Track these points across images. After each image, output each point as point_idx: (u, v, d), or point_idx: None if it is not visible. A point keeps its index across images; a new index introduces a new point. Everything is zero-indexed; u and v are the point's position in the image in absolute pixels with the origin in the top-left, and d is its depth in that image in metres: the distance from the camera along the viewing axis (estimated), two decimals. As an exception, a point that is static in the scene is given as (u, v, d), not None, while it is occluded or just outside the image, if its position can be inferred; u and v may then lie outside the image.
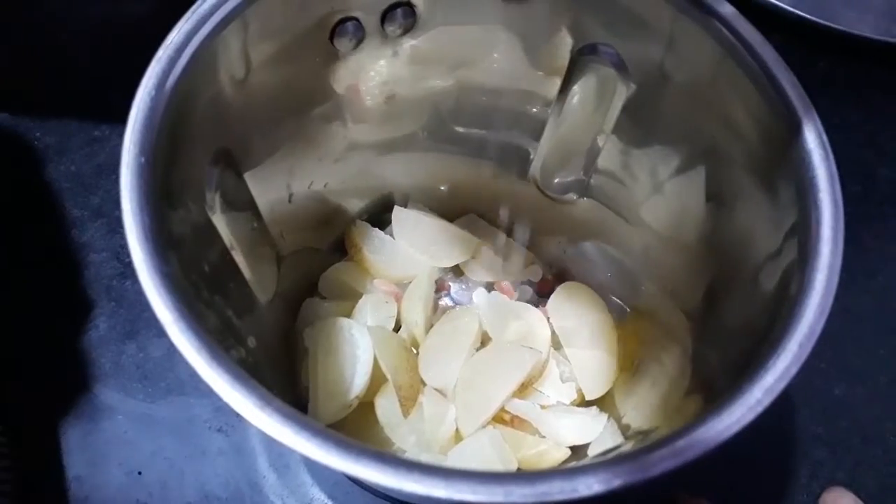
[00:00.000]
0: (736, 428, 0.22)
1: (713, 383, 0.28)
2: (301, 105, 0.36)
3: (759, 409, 0.22)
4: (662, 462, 0.21)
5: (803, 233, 0.26)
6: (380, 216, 0.47)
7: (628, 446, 0.31)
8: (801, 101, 0.28)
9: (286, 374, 0.41)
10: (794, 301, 0.24)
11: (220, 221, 0.31)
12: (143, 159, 0.25)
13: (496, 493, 0.20)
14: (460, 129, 0.42)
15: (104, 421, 0.44)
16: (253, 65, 0.31)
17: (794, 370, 0.23)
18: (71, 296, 0.48)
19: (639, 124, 0.36)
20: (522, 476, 0.21)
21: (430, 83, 0.38)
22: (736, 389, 0.23)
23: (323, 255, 0.45)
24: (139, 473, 0.43)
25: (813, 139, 0.27)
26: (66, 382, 0.45)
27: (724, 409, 0.22)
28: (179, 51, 0.27)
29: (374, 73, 0.36)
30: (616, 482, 0.21)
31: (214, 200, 0.30)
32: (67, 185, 0.51)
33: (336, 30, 0.33)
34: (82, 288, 0.48)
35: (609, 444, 0.35)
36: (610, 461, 0.21)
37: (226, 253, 0.32)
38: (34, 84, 0.55)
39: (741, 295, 0.30)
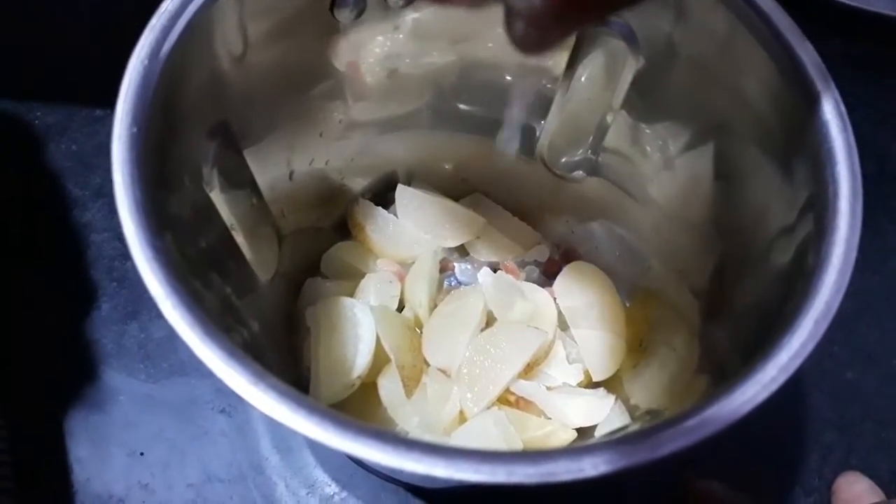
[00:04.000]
0: (749, 406, 0.21)
1: (722, 363, 0.28)
2: (301, 82, 0.35)
3: (774, 387, 0.21)
4: (672, 441, 0.20)
5: (819, 207, 0.25)
6: (384, 195, 0.46)
7: (636, 426, 0.31)
8: (817, 69, 0.27)
9: (288, 355, 0.41)
10: (809, 277, 0.23)
11: (218, 198, 0.30)
12: (135, 129, 0.24)
13: (498, 472, 0.20)
14: (465, 107, 0.41)
15: (106, 402, 0.44)
16: (251, 39, 0.30)
17: (809, 347, 0.22)
18: (72, 277, 0.47)
19: (647, 99, 0.35)
20: (526, 455, 0.20)
21: (433, 58, 0.37)
22: (749, 367, 0.22)
23: (325, 234, 0.45)
24: (141, 454, 0.43)
25: (830, 109, 0.26)
26: (67, 363, 0.45)
27: (737, 388, 0.21)
28: (174, 19, 0.26)
29: (376, 47, 0.35)
30: (623, 462, 0.20)
31: (212, 176, 0.30)
32: (69, 164, 0.51)
33: (336, 0, 0.32)
34: (83, 269, 0.48)
35: (616, 425, 0.34)
36: (617, 441, 0.20)
37: (224, 230, 0.31)
38: (35, 63, 0.54)
39: (752, 273, 0.29)
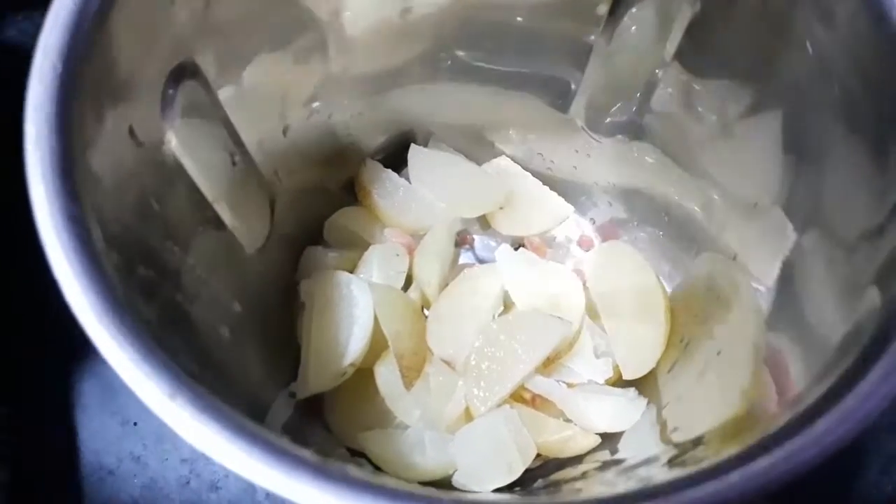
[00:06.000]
0: (819, 455, 0.16)
1: (794, 392, 0.22)
2: (285, 25, 0.30)
3: (855, 429, 0.16)
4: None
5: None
6: (400, 156, 0.41)
7: (665, 458, 0.26)
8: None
9: (284, 333, 0.37)
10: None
11: (184, 153, 0.26)
12: (60, 68, 0.20)
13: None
14: (489, 56, 0.36)
15: (98, 366, 0.41)
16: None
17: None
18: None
19: (702, 52, 0.31)
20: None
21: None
22: (827, 403, 0.17)
23: (332, 195, 0.40)
24: (135, 424, 0.40)
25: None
26: (58, 326, 0.42)
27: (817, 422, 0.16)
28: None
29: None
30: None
31: (176, 128, 0.25)
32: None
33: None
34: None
35: (651, 448, 0.30)
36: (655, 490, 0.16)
37: (193, 192, 0.27)
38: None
39: (830, 278, 0.24)
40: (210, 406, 0.16)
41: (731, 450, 0.17)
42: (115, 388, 0.41)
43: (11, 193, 0.44)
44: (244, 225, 0.31)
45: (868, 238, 0.22)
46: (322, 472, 0.16)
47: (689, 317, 0.35)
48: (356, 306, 0.33)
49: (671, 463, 0.25)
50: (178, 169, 0.26)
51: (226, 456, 0.16)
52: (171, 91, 0.25)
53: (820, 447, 0.17)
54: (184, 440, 0.38)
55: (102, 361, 0.42)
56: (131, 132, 0.23)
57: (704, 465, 0.17)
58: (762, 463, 0.16)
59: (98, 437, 0.40)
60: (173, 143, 0.25)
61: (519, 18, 0.33)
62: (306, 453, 0.16)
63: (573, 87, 0.36)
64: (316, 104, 0.35)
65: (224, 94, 0.29)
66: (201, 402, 0.16)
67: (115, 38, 0.21)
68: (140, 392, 0.16)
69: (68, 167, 0.19)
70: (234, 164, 0.30)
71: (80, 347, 0.42)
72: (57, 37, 0.20)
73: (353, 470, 0.16)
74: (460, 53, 0.35)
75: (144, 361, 0.17)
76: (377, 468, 0.33)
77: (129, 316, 0.17)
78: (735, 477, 0.16)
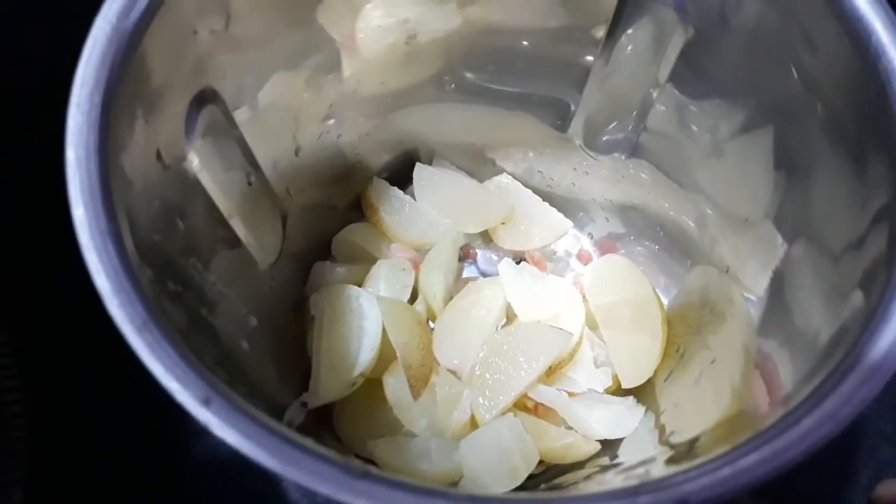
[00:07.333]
0: (797, 454, 0.18)
1: (783, 391, 0.23)
2: (299, 52, 0.31)
3: (837, 426, 0.18)
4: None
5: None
6: (405, 174, 0.42)
7: (662, 459, 0.27)
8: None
9: (295, 344, 0.38)
10: (875, 308, 0.19)
11: (205, 175, 0.27)
12: (97, 99, 0.21)
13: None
14: (492, 78, 0.37)
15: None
16: (233, 9, 0.27)
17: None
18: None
19: (696, 74, 0.32)
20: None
21: (454, 22, 0.33)
22: (810, 403, 0.18)
23: (340, 212, 0.42)
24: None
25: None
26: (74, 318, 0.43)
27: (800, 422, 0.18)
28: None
29: (373, 10, 0.31)
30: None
31: (197, 150, 0.27)
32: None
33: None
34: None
35: (649, 451, 0.31)
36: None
37: (212, 211, 0.28)
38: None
39: (818, 286, 0.25)
40: (241, 411, 0.18)
41: (724, 448, 0.18)
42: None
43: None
44: (258, 241, 0.33)
45: (852, 246, 0.23)
46: (346, 468, 0.17)
47: (685, 327, 0.36)
48: (365, 319, 0.34)
49: (668, 462, 0.26)
50: (199, 188, 0.27)
51: (260, 454, 0.17)
52: (193, 117, 0.26)
53: (803, 445, 0.18)
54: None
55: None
56: (158, 155, 0.24)
57: (698, 461, 0.18)
58: (751, 459, 0.17)
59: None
60: (195, 163, 0.27)
61: (523, 43, 0.34)
62: (330, 452, 0.17)
63: (572, 107, 0.37)
64: (328, 124, 0.36)
65: (241, 115, 0.30)
66: (233, 407, 0.18)
67: (145, 67, 0.23)
68: (179, 398, 0.18)
69: (105, 188, 0.20)
70: (249, 183, 0.32)
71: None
72: (93, 69, 0.21)
73: (373, 469, 0.17)
74: (465, 76, 0.37)
75: (179, 369, 0.18)
76: (385, 475, 0.34)
77: (165, 327, 0.19)
78: (726, 472, 0.17)
